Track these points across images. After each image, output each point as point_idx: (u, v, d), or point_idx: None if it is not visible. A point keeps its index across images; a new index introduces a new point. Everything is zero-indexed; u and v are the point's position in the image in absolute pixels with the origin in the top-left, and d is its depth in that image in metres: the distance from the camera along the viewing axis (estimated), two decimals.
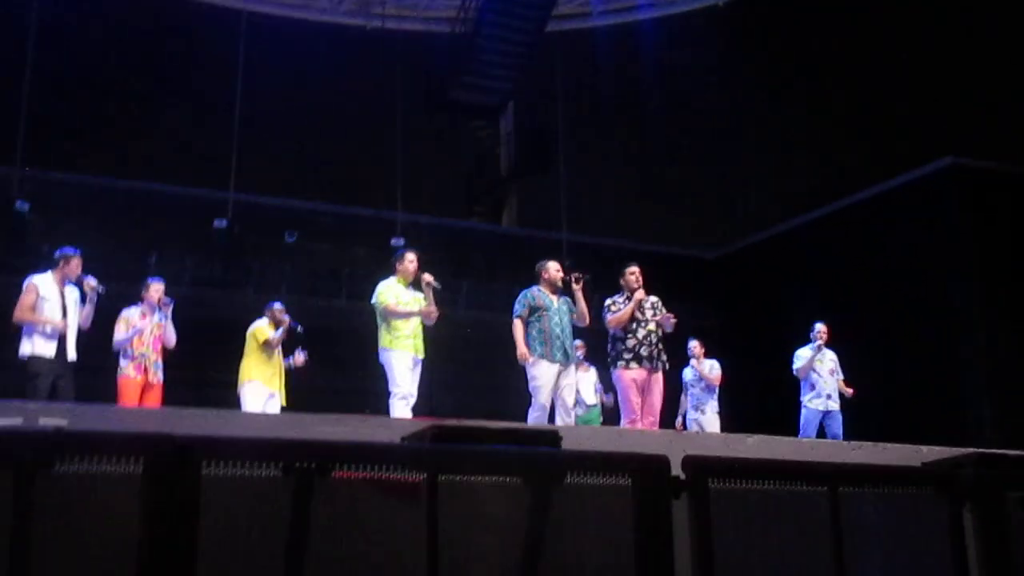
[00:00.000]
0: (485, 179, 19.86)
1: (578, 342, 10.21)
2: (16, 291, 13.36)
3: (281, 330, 9.62)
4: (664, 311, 8.85)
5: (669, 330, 8.94)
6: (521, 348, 8.43)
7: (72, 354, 8.31)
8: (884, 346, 12.61)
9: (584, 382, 11.42)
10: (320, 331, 9.74)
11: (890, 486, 3.63)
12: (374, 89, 17.71)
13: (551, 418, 8.59)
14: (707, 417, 11.17)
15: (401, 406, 8.36)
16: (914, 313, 14.20)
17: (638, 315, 8.79)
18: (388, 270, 8.99)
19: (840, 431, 10.65)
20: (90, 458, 2.57)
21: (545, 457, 3.19)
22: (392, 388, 8.44)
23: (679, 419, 11.54)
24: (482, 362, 9.99)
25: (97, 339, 8.76)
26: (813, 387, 10.79)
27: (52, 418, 5.67)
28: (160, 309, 9.07)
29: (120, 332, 8.93)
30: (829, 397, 10.75)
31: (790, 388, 11.65)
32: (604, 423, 11.35)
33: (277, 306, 9.90)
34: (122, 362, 8.92)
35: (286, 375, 9.79)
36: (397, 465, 2.88)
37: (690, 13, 19.29)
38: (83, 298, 8.50)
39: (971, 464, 4.43)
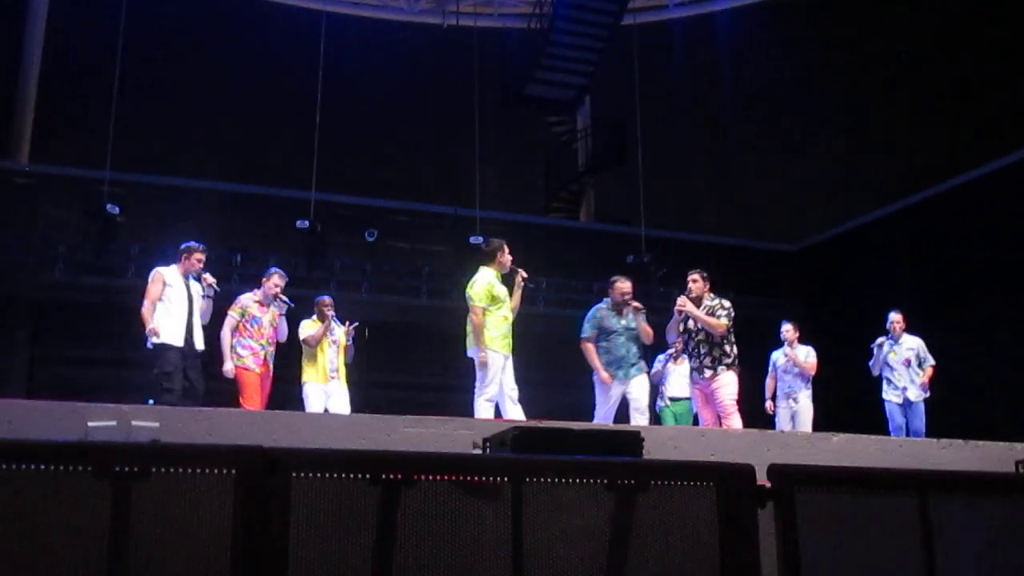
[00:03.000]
0: (562, 174, 19.83)
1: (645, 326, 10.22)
2: (110, 293, 13.85)
3: (321, 328, 9.57)
4: (719, 314, 8.75)
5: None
6: (600, 371, 8.61)
7: (199, 344, 8.47)
8: (972, 339, 12.26)
9: (677, 374, 11.16)
10: (400, 328, 9.82)
11: (982, 495, 3.55)
12: (451, 87, 17.81)
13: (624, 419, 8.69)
14: (801, 406, 10.76)
15: (486, 407, 8.38)
16: (1005, 303, 13.83)
17: (689, 324, 8.78)
18: (484, 259, 8.87)
19: (921, 425, 10.36)
20: (185, 469, 2.65)
21: (629, 466, 3.19)
22: (480, 387, 8.44)
23: (768, 402, 11.07)
24: (558, 359, 9.97)
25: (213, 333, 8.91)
26: (889, 381, 10.61)
27: (145, 420, 5.84)
28: (275, 303, 9.17)
29: (229, 322, 9.00)
30: (905, 389, 10.47)
31: (873, 381, 11.49)
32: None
33: (325, 299, 9.83)
34: (241, 352, 8.97)
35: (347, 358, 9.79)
36: (483, 475, 2.91)
37: (767, 3, 19.04)
38: (203, 292, 8.65)
39: None
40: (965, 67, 16.43)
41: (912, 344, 10.60)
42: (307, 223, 14.57)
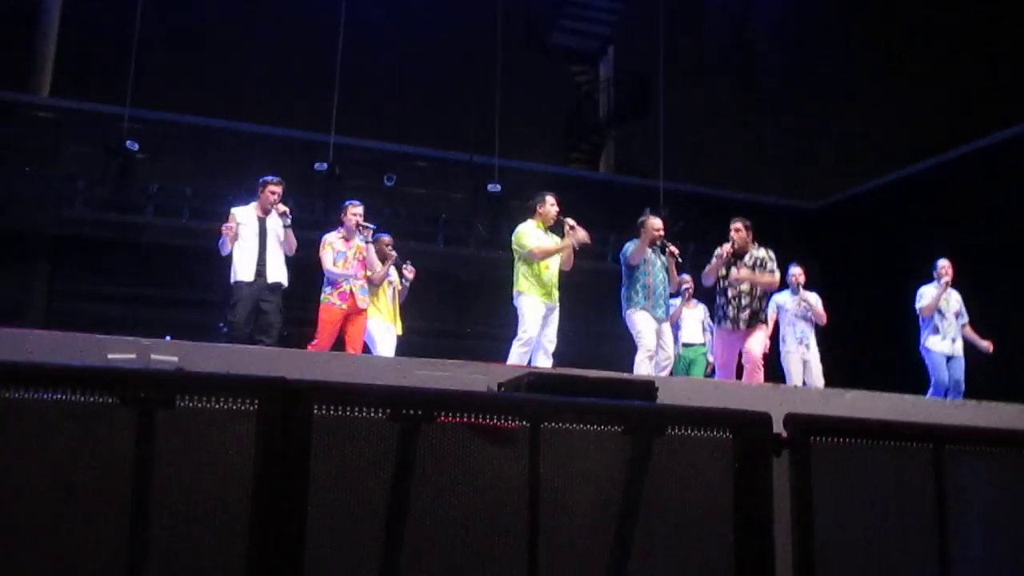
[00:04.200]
0: (583, 125, 19.70)
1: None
2: (129, 230, 13.93)
3: (384, 268, 9.35)
4: (766, 267, 8.74)
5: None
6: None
7: (274, 277, 8.53)
8: (990, 306, 12.17)
9: (690, 319, 11.13)
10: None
11: (995, 447, 3.57)
12: (473, 34, 17.63)
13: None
14: (813, 352, 10.35)
15: (520, 352, 8.48)
16: (1017, 279, 13.75)
17: (731, 273, 8.76)
18: (528, 213, 8.97)
19: (962, 377, 10.12)
20: (208, 398, 2.68)
21: (646, 410, 3.21)
22: (519, 332, 8.53)
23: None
24: (581, 309, 10.01)
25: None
26: (937, 329, 10.22)
27: (164, 355, 5.90)
28: (360, 232, 9.09)
29: (327, 257, 9.02)
30: (954, 340, 10.19)
31: (889, 341, 11.44)
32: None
33: (385, 238, 9.58)
34: (326, 289, 9.00)
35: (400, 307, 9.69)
36: (499, 414, 2.93)
37: None
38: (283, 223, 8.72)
39: None
40: (996, 28, 16.19)
41: (957, 297, 10.37)
42: (326, 166, 14.55)
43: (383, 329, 9.35)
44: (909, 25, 16.89)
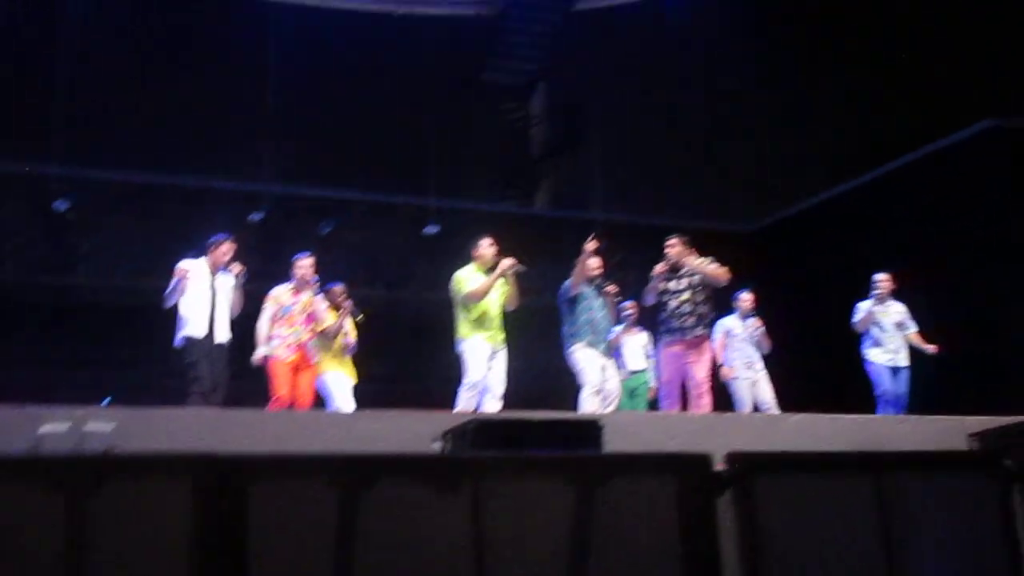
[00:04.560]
0: (517, 161, 19.77)
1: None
2: (60, 291, 13.67)
3: (339, 319, 9.13)
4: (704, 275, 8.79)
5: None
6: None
7: (221, 337, 8.41)
8: (932, 313, 12.36)
9: (633, 345, 11.15)
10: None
11: (935, 472, 3.61)
12: (404, 75, 17.66)
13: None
14: (761, 374, 10.28)
15: (467, 397, 8.48)
16: (962, 278, 14.01)
17: (670, 285, 8.81)
18: (465, 261, 8.98)
19: (905, 390, 10.16)
20: (138, 480, 2.62)
21: (588, 461, 3.21)
22: (464, 378, 8.52)
23: (726, 367, 10.43)
24: (525, 346, 10.00)
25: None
26: (878, 342, 10.32)
27: (99, 424, 5.76)
28: (308, 286, 8.95)
29: (265, 313, 8.89)
30: (896, 352, 10.25)
31: (836, 357, 11.54)
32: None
33: (338, 288, 9.36)
34: (272, 343, 8.81)
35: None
36: (440, 476, 2.90)
37: None
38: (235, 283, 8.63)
39: (1017, 433, 4.40)
40: (917, 45, 16.60)
41: (899, 308, 10.44)
42: (260, 216, 14.43)
43: (341, 383, 9.12)
44: (828, 51, 17.26)
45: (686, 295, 8.75)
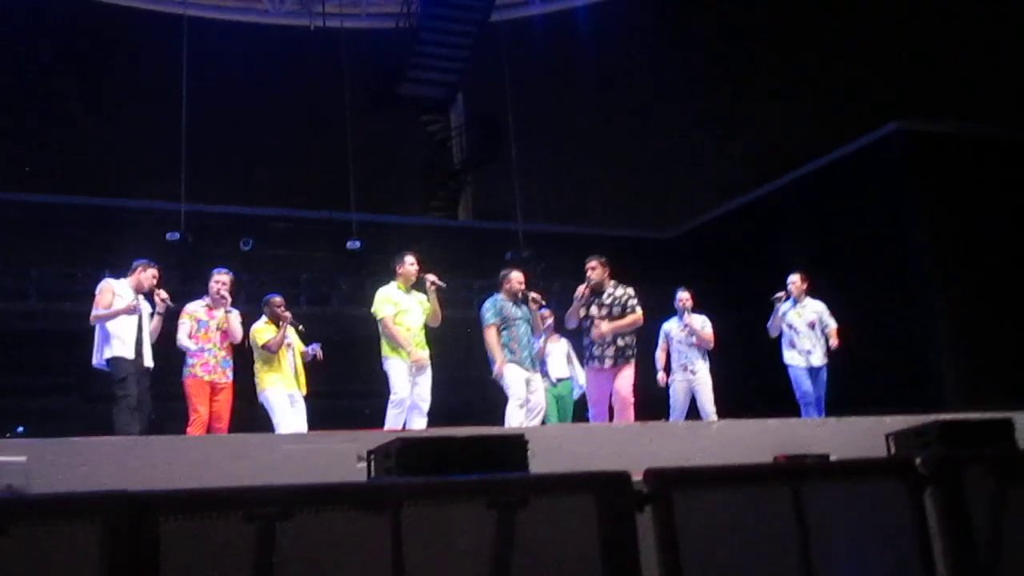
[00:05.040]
0: (439, 173, 19.78)
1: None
2: None
3: (280, 332, 8.80)
4: (627, 307, 8.83)
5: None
6: (499, 362, 8.53)
7: (148, 361, 8.18)
8: (846, 313, 12.62)
9: (555, 353, 11.07)
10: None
11: (850, 479, 3.66)
12: (322, 89, 17.56)
13: None
14: (699, 377, 10.00)
15: (394, 414, 8.45)
16: (872, 279, 14.34)
17: (592, 310, 8.83)
18: (388, 276, 8.89)
19: (823, 391, 10.03)
20: (46, 523, 2.53)
21: (508, 482, 3.19)
22: (391, 395, 8.47)
23: (661, 374, 10.33)
24: (452, 358, 9.98)
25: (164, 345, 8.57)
26: (792, 343, 10.16)
27: (10, 455, 5.58)
28: (222, 302, 8.66)
29: (183, 329, 8.55)
30: (809, 352, 10.06)
31: (753, 362, 11.67)
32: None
33: (276, 299, 9.01)
34: (189, 362, 8.52)
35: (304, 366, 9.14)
36: (360, 504, 2.86)
37: None
38: (153, 309, 8.36)
39: (934, 434, 4.48)
40: (820, 51, 16.99)
41: (816, 307, 10.23)
42: (178, 235, 14.15)
43: (283, 398, 8.80)
44: (739, 60, 17.58)
45: (607, 322, 8.78)
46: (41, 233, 14.08)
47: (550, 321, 10.96)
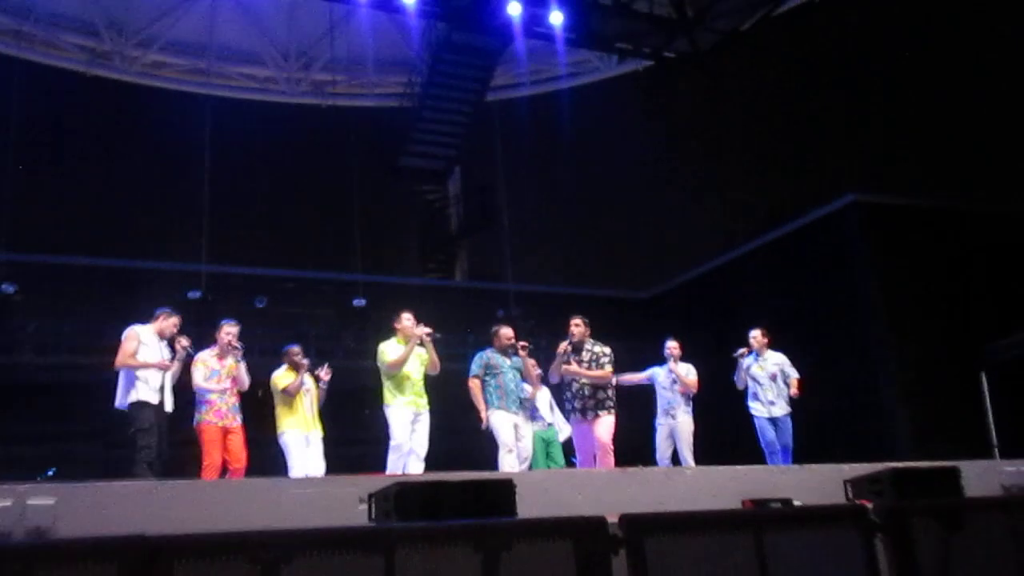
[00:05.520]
0: (437, 238, 19.91)
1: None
2: (5, 371, 13.22)
3: (298, 378, 8.86)
4: (602, 363, 8.84)
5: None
6: (482, 411, 8.56)
7: (169, 406, 7.96)
8: (806, 368, 12.64)
9: (541, 400, 10.98)
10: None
11: (808, 525, 3.66)
12: (331, 161, 17.73)
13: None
14: (679, 422, 9.84)
15: (394, 459, 8.44)
16: (831, 337, 14.38)
17: (572, 367, 8.86)
18: (389, 332, 8.91)
19: (789, 439, 9.86)
20: (66, 566, 2.51)
21: (493, 527, 3.18)
22: (391, 441, 8.46)
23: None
24: (447, 409, 9.96)
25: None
26: (755, 395, 10.01)
27: (40, 498, 5.52)
28: (231, 351, 8.58)
29: (199, 374, 8.43)
30: (772, 403, 9.90)
31: (724, 413, 11.64)
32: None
33: (294, 348, 9.10)
34: (200, 408, 8.40)
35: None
36: (357, 547, 2.85)
37: (614, 78, 19.68)
38: (172, 357, 8.14)
39: (887, 480, 4.48)
40: (782, 128, 17.21)
41: (777, 359, 10.10)
42: (199, 293, 14.19)
43: (300, 440, 8.84)
44: (706, 137, 17.81)
45: (585, 379, 8.81)
46: (73, 291, 14.10)
47: (539, 371, 10.90)
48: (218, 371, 8.63)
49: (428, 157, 19.17)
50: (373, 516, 3.80)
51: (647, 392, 10.26)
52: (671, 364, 10.04)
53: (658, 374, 10.15)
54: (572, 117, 19.40)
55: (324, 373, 9.21)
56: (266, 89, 20.14)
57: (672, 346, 10.11)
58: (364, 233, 16.10)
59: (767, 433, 9.99)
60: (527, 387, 9.62)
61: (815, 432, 10.83)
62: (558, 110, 19.28)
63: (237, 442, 8.52)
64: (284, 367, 9.04)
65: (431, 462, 8.70)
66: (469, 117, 18.45)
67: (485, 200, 19.00)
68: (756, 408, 10.11)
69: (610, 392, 8.87)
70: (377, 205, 17.64)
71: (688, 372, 10.07)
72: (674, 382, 9.99)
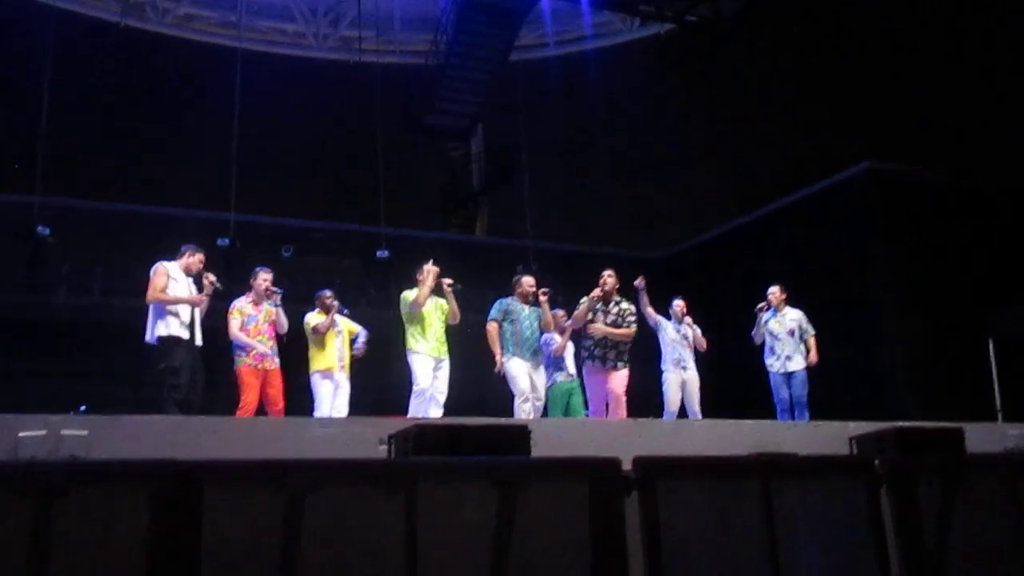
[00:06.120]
0: (459, 194, 19.85)
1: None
2: (40, 310, 13.36)
3: (328, 317, 8.94)
4: (628, 320, 8.87)
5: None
6: (497, 356, 8.59)
7: (199, 339, 7.89)
8: (817, 329, 12.56)
9: (569, 352, 10.91)
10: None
11: (815, 475, 3.66)
12: (358, 117, 17.63)
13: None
14: (690, 374, 9.77)
15: (416, 404, 8.48)
16: (841, 306, 14.30)
17: (599, 316, 8.87)
18: (411, 284, 8.92)
19: (803, 392, 9.79)
20: (101, 486, 2.56)
21: (511, 464, 3.20)
22: (414, 386, 8.51)
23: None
24: (466, 358, 10.00)
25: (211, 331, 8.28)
26: (771, 350, 9.99)
27: (74, 429, 5.61)
28: (269, 297, 8.64)
29: (234, 323, 8.47)
30: (788, 358, 9.84)
31: (737, 370, 11.63)
32: None
33: (326, 293, 9.19)
34: (239, 353, 8.40)
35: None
36: (380, 479, 2.88)
37: (635, 40, 19.48)
38: (200, 291, 8.06)
39: (891, 439, 4.47)
40: (802, 94, 17.02)
41: (795, 315, 10.05)
42: (227, 241, 14.21)
43: (328, 382, 8.91)
44: (729, 99, 17.62)
45: (602, 327, 8.82)
46: (105, 235, 14.19)
47: (568, 322, 10.78)
48: (255, 317, 8.65)
49: (452, 115, 19.06)
50: (393, 455, 3.83)
51: (651, 344, 10.18)
52: (684, 325, 10.00)
53: (666, 327, 10.05)
54: (594, 79, 19.25)
55: (361, 347, 9.23)
56: (295, 44, 20.05)
57: (679, 305, 10.11)
58: (388, 187, 16.05)
59: (781, 390, 9.95)
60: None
61: (823, 393, 10.79)
62: (581, 71, 19.11)
63: (276, 386, 8.57)
64: (316, 310, 9.13)
65: (449, 409, 8.77)
66: (493, 76, 18.30)
67: (507, 158, 18.90)
68: (772, 364, 10.06)
69: (628, 346, 8.92)
70: (401, 160, 17.56)
71: (696, 331, 10.06)
72: (685, 337, 9.95)
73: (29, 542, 2.52)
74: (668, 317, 10.14)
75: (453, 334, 9.13)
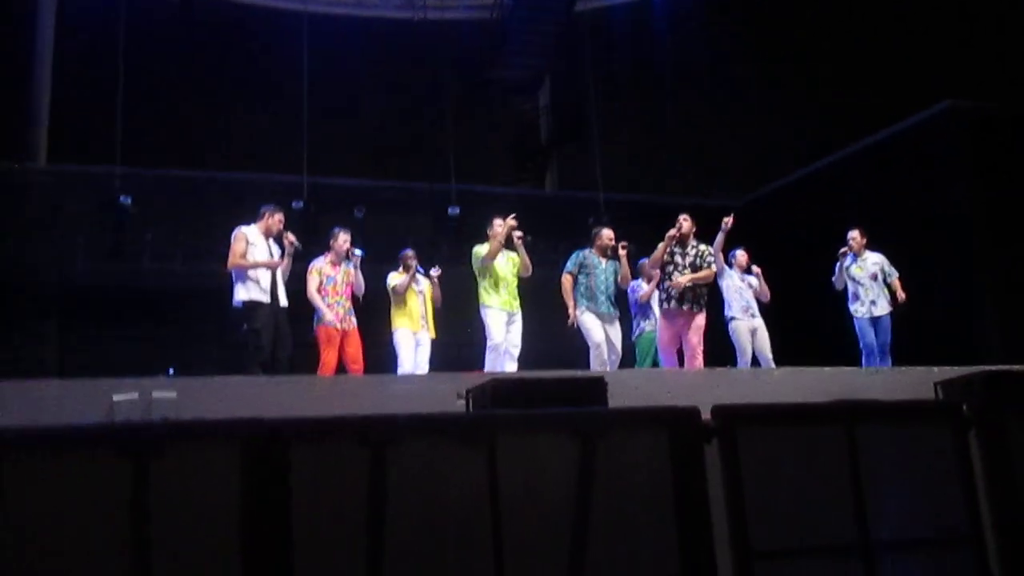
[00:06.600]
0: (528, 149, 19.76)
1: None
2: (127, 277, 13.80)
3: (407, 276, 9.25)
4: (707, 261, 8.80)
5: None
6: (571, 309, 8.59)
7: (283, 300, 8.04)
8: (901, 274, 12.23)
9: (655, 299, 10.78)
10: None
11: (900, 420, 3.60)
12: (424, 74, 17.66)
13: None
14: (759, 321, 9.74)
15: (491, 358, 8.60)
16: (927, 243, 13.93)
17: (676, 258, 8.79)
18: (483, 239, 8.97)
19: (887, 338, 9.68)
20: (195, 444, 2.65)
21: (590, 415, 3.22)
22: (488, 341, 8.61)
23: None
24: (541, 312, 10.03)
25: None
26: (857, 296, 9.86)
27: (163, 392, 5.81)
28: (349, 258, 8.85)
29: (312, 283, 8.68)
30: (873, 303, 9.74)
31: (817, 317, 11.42)
32: None
33: (408, 252, 9.53)
34: (319, 312, 8.60)
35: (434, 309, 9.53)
36: (461, 432, 2.92)
37: None
38: (282, 253, 8.26)
39: (980, 383, 4.37)
40: (881, 33, 16.49)
41: (876, 259, 9.95)
42: (301, 203, 14.45)
43: (409, 339, 9.22)
44: (801, 43, 17.15)
45: (690, 271, 8.74)
46: (185, 202, 14.53)
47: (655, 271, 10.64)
48: (333, 277, 8.81)
49: (518, 68, 18.90)
50: (471, 410, 3.88)
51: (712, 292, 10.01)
52: (750, 276, 9.91)
53: (731, 274, 9.89)
54: (664, 27, 18.89)
55: (434, 271, 9.62)
56: (360, 3, 20.06)
57: (742, 255, 10.01)
58: (457, 143, 16.08)
59: (867, 335, 9.81)
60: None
61: (907, 339, 10.56)
62: (650, 19, 18.76)
63: (355, 345, 8.73)
64: (399, 269, 9.44)
65: (524, 363, 8.82)
66: (559, 27, 18.09)
67: (574, 112, 18.73)
68: (856, 309, 9.93)
69: (705, 290, 8.84)
70: (469, 116, 17.55)
71: (760, 281, 9.99)
72: (750, 286, 9.87)
73: (129, 502, 2.63)
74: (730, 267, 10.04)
75: (527, 287, 9.17)
